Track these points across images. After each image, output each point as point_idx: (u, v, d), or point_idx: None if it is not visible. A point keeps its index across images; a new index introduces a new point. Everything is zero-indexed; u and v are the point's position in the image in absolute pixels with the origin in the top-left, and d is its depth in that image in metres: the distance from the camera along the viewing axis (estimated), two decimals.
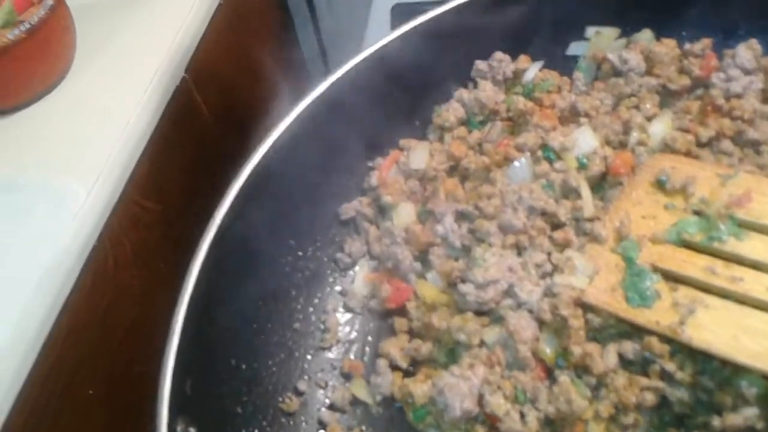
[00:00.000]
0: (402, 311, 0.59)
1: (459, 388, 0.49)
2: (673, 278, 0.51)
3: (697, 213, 0.54)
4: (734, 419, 0.44)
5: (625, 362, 0.50)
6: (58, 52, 0.89)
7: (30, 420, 0.63)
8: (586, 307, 0.51)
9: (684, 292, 0.50)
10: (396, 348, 0.56)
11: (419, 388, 0.52)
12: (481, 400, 0.50)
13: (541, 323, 0.52)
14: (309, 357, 0.58)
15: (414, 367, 0.56)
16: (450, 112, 0.64)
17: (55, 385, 0.71)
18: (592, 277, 0.52)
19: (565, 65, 0.66)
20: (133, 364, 0.86)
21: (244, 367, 0.53)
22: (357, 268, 0.62)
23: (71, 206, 0.76)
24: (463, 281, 0.54)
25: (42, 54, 0.86)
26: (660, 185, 0.55)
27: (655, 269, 0.52)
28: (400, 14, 0.84)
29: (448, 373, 0.51)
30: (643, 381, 0.49)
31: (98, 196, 0.79)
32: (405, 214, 0.62)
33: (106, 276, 0.80)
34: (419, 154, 0.63)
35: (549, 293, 0.53)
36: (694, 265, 0.51)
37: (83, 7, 0.96)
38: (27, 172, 0.82)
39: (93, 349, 0.79)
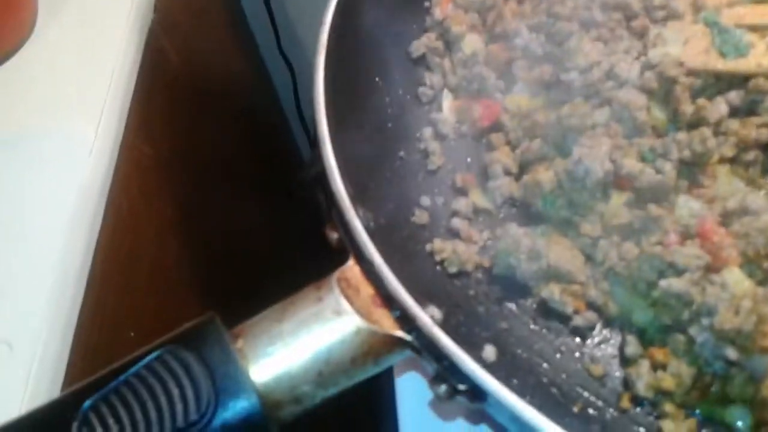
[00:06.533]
0: (496, 127, 0.60)
1: (594, 153, 0.51)
2: (760, 29, 0.55)
3: None
4: None
5: (733, 111, 0.53)
6: (21, 2, 0.87)
7: (86, 361, 0.63)
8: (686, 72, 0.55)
9: None
10: (503, 155, 0.58)
11: (544, 176, 0.54)
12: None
13: (648, 93, 0.55)
14: (420, 180, 0.58)
15: (524, 169, 0.58)
16: None
17: (102, 326, 0.70)
18: (683, 45, 0.56)
19: None
20: (161, 309, 0.86)
21: (372, 185, 0.54)
22: (442, 98, 0.63)
23: (83, 148, 0.75)
24: (565, 72, 0.56)
25: (8, 4, 0.84)
26: None
27: (740, 26, 0.55)
28: None
29: (577, 147, 0.53)
30: (756, 120, 0.52)
31: (105, 137, 0.78)
32: (474, 43, 0.63)
33: (122, 218, 0.79)
34: None
35: (648, 67, 0.55)
36: None
37: None
38: (28, 124, 0.80)
39: (123, 292, 0.78)
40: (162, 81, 0.96)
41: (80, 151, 0.73)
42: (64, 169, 0.73)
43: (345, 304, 0.40)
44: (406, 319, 0.40)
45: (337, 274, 0.41)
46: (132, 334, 0.79)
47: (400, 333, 0.40)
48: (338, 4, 0.57)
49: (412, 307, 0.39)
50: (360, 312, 0.40)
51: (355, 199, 0.46)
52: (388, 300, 0.40)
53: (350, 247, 0.43)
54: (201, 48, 1.19)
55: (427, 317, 0.39)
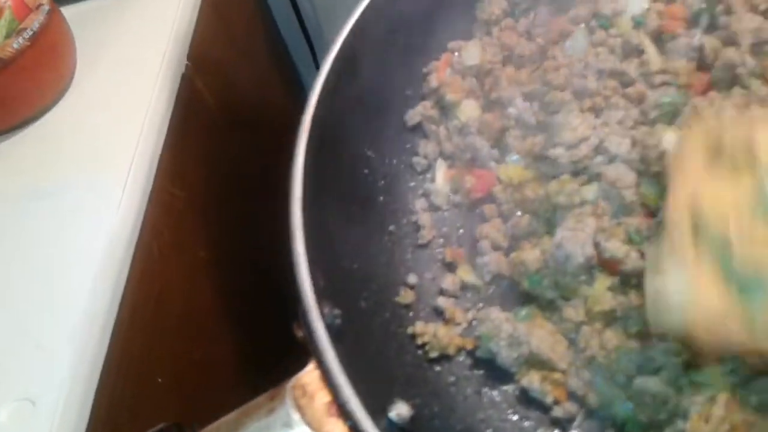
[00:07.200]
0: (489, 198, 0.59)
1: (576, 236, 0.50)
2: None
3: None
4: None
5: None
6: (62, 57, 0.89)
7: (111, 411, 0.63)
8: None
9: None
10: (493, 229, 0.57)
11: (530, 254, 0.53)
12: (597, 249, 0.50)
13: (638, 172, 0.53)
14: (409, 255, 0.58)
15: (513, 244, 0.56)
16: (493, 5, 0.65)
17: (128, 374, 0.71)
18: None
19: None
20: (192, 352, 0.87)
21: (356, 266, 0.53)
22: (436, 168, 0.62)
23: (112, 200, 0.77)
24: (553, 147, 0.55)
25: (48, 60, 0.86)
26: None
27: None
28: None
29: (560, 229, 0.51)
30: None
31: (134, 187, 0.80)
32: (469, 109, 0.62)
33: (152, 262, 0.81)
34: (472, 50, 0.64)
35: (638, 144, 0.53)
36: None
37: (74, 15, 0.96)
38: (62, 176, 0.83)
39: (152, 337, 0.80)
40: (197, 122, 0.98)
41: (108, 204, 0.75)
42: (91, 224, 0.75)
43: (295, 416, 0.40)
44: None
45: (293, 381, 0.42)
46: (160, 380, 0.81)
47: None
48: (328, 76, 0.57)
49: (362, 421, 0.39)
50: (311, 424, 0.40)
51: (324, 293, 0.46)
52: (342, 410, 0.40)
53: (311, 350, 0.43)
54: (239, 82, 1.21)
55: None
